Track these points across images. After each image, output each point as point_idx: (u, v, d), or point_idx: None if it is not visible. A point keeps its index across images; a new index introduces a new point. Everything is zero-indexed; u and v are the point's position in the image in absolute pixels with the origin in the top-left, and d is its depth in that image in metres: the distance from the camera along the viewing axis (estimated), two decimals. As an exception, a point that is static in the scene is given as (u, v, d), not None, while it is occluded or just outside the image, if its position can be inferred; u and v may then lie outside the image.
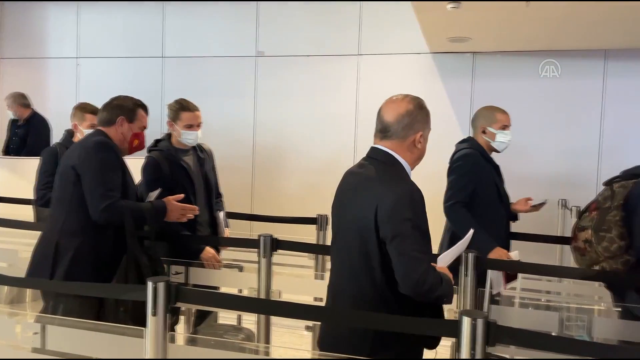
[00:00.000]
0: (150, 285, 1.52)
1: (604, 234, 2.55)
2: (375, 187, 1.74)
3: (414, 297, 1.65)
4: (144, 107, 2.58)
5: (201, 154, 3.16)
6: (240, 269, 3.16)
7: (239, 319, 3.33)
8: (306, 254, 3.30)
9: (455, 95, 4.86)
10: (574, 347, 1.41)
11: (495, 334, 1.21)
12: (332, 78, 5.21)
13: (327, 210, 3.59)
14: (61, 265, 2.26)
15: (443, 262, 1.86)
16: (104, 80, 5.70)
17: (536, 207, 3.15)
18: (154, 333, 1.52)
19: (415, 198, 1.69)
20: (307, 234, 3.39)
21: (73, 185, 2.32)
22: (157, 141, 3.10)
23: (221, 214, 3.17)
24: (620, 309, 2.63)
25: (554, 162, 4.66)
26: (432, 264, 1.74)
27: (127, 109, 2.51)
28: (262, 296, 2.37)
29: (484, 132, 3.02)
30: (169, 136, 3.08)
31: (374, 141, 1.89)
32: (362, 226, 1.71)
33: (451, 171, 2.98)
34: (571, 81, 4.64)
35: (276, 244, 2.45)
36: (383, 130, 1.84)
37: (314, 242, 3.41)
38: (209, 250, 2.89)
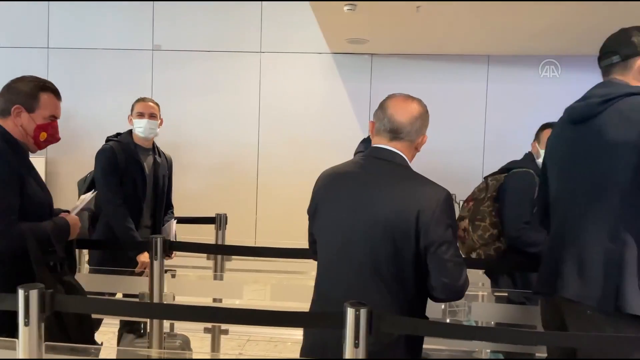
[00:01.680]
0: (21, 293, 1.39)
1: (479, 223, 2.80)
2: (410, 191, 1.65)
3: (447, 301, 1.71)
4: (52, 90, 2.03)
5: (159, 157, 3.11)
6: (174, 275, 3.05)
7: (172, 326, 3.20)
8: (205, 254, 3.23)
9: (355, 95, 5.00)
10: (452, 331, 1.51)
11: (378, 322, 1.27)
12: (233, 75, 5.14)
13: (226, 209, 3.56)
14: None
15: None
16: (-21, 70, 5.16)
17: None
18: (27, 345, 1.39)
19: (452, 203, 1.69)
20: (206, 234, 3.32)
21: None
22: (118, 134, 3.06)
23: (173, 223, 3.15)
24: (496, 294, 2.88)
25: (444, 160, 4.97)
26: None
27: (24, 94, 1.96)
28: (156, 300, 2.27)
29: None
30: (130, 132, 3.06)
31: (375, 141, 1.78)
32: (397, 232, 1.60)
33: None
34: (458, 84, 4.98)
35: (169, 246, 2.36)
36: (395, 131, 1.74)
37: (213, 242, 3.34)
38: (146, 255, 2.77)
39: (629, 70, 1.79)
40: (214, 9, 5.10)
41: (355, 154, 2.96)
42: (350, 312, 1.27)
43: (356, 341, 1.26)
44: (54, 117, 2.04)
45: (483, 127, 5.01)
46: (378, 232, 1.62)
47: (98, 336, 2.08)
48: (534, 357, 2.74)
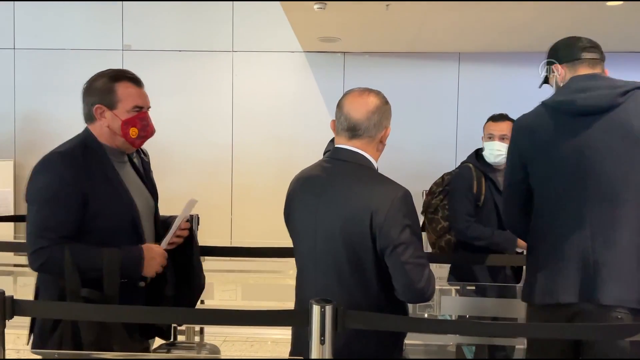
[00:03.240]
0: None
1: (432, 215, 2.89)
2: (364, 192, 1.59)
3: (413, 302, 1.65)
4: (128, 78, 1.78)
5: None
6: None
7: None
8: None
9: (328, 93, 5.01)
10: (417, 325, 1.52)
11: (344, 318, 1.28)
12: (205, 74, 5.10)
13: (200, 210, 3.53)
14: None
15: None
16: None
17: None
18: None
19: (408, 201, 1.59)
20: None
21: None
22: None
23: None
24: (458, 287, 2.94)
25: (416, 156, 5.02)
26: None
27: (99, 90, 1.75)
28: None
29: None
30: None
31: (336, 141, 1.74)
32: (353, 235, 1.57)
33: None
34: (430, 81, 5.03)
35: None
36: (353, 129, 1.67)
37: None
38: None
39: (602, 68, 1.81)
40: (185, 8, 5.04)
41: (324, 153, 2.98)
42: (315, 309, 1.27)
43: (322, 338, 1.26)
44: (139, 108, 1.78)
45: (455, 123, 5.07)
46: (338, 237, 1.59)
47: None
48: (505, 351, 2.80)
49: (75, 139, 1.79)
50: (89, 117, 1.79)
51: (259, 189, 4.97)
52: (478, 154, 2.93)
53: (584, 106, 1.71)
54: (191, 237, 1.93)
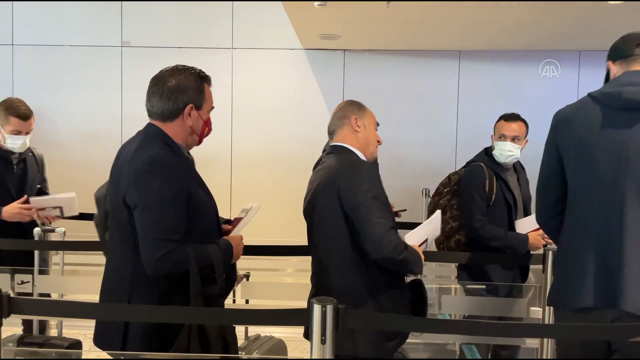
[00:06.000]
0: (-22, 297, 1.34)
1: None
2: (334, 174, 1.92)
3: (385, 263, 1.79)
4: (208, 79, 1.86)
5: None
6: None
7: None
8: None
9: (328, 91, 5.00)
10: (420, 325, 1.51)
11: (345, 318, 1.27)
12: (205, 71, 5.04)
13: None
14: (135, 333, 1.62)
15: (411, 239, 1.94)
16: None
17: (397, 214, 3.36)
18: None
19: (369, 171, 1.91)
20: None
21: (130, 225, 1.65)
22: None
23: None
24: (461, 286, 2.93)
25: (416, 154, 5.00)
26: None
27: (193, 90, 1.75)
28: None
29: None
30: None
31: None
32: (331, 213, 1.88)
33: None
34: (430, 79, 5.01)
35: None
36: (329, 133, 2.12)
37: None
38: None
39: None
40: (184, 5, 5.02)
41: (323, 150, 2.98)
42: (316, 309, 1.26)
43: (323, 337, 1.25)
44: (213, 109, 1.87)
45: (455, 121, 5.05)
46: (326, 218, 1.92)
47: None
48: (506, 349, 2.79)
49: (151, 139, 1.72)
50: (173, 115, 1.74)
51: (258, 185, 4.96)
52: (487, 152, 2.91)
53: (630, 100, 1.63)
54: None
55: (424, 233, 2.00)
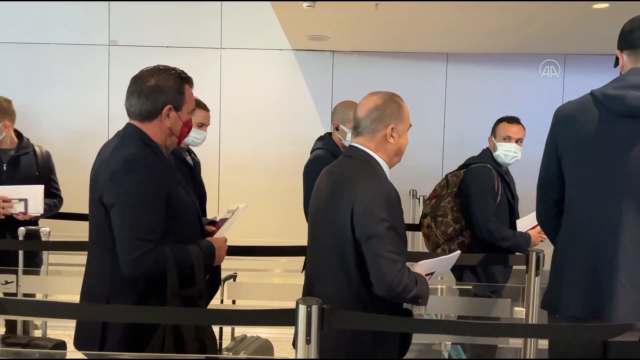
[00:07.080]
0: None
1: (441, 219, 2.84)
2: (351, 186, 1.69)
3: (389, 298, 1.64)
4: (189, 80, 1.81)
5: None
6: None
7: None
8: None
9: (317, 92, 5.00)
10: (406, 325, 1.53)
11: (329, 318, 1.27)
12: (193, 71, 4.91)
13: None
14: (114, 334, 1.61)
15: (421, 268, 1.81)
16: None
17: None
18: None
19: (390, 198, 1.66)
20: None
21: (107, 224, 1.63)
22: None
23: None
24: (459, 287, 2.94)
25: (404, 155, 5.02)
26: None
27: (172, 90, 1.71)
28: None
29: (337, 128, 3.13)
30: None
31: (351, 140, 1.86)
32: (339, 227, 1.68)
33: None
34: (417, 81, 5.04)
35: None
36: (356, 127, 1.81)
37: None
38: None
39: None
40: (173, 4, 5.00)
41: (311, 151, 2.98)
42: (302, 309, 1.27)
43: (308, 337, 1.26)
44: (193, 110, 1.83)
45: (442, 123, 5.09)
46: (329, 228, 1.71)
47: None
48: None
49: (129, 139, 1.70)
50: (151, 115, 1.71)
51: (246, 186, 4.95)
52: (488, 154, 2.93)
53: (634, 107, 1.51)
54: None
55: (436, 266, 1.89)
